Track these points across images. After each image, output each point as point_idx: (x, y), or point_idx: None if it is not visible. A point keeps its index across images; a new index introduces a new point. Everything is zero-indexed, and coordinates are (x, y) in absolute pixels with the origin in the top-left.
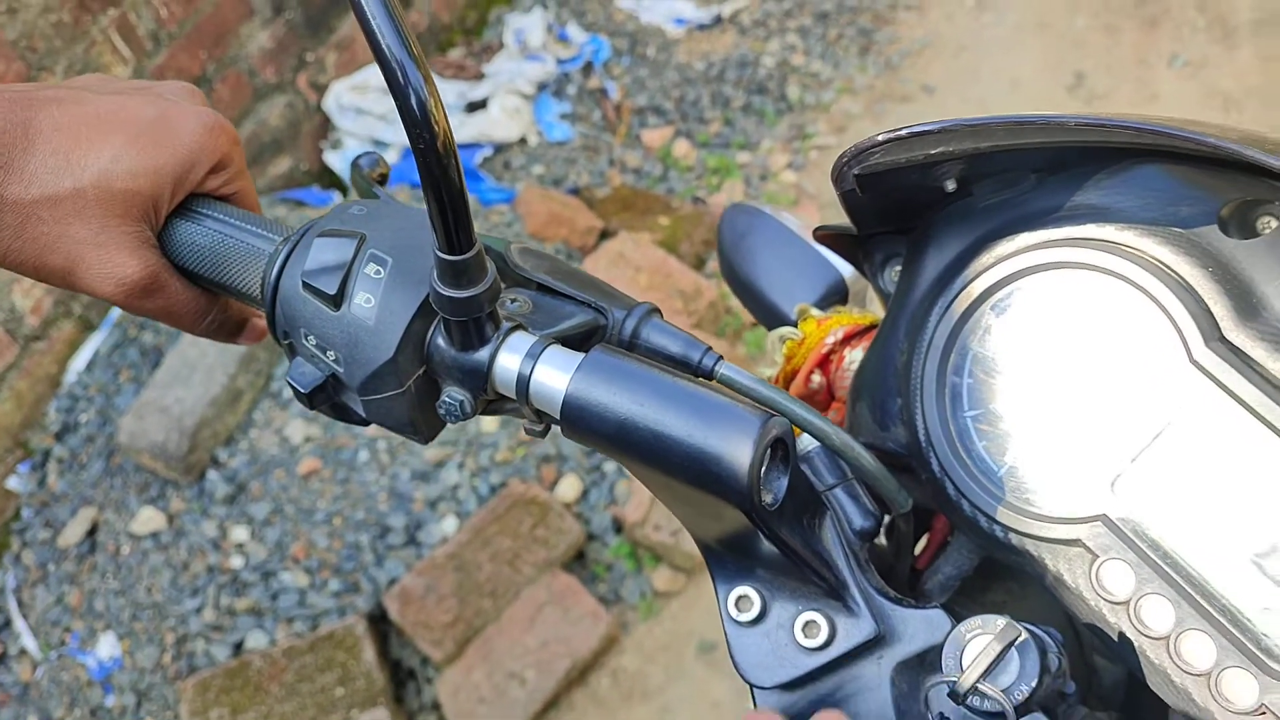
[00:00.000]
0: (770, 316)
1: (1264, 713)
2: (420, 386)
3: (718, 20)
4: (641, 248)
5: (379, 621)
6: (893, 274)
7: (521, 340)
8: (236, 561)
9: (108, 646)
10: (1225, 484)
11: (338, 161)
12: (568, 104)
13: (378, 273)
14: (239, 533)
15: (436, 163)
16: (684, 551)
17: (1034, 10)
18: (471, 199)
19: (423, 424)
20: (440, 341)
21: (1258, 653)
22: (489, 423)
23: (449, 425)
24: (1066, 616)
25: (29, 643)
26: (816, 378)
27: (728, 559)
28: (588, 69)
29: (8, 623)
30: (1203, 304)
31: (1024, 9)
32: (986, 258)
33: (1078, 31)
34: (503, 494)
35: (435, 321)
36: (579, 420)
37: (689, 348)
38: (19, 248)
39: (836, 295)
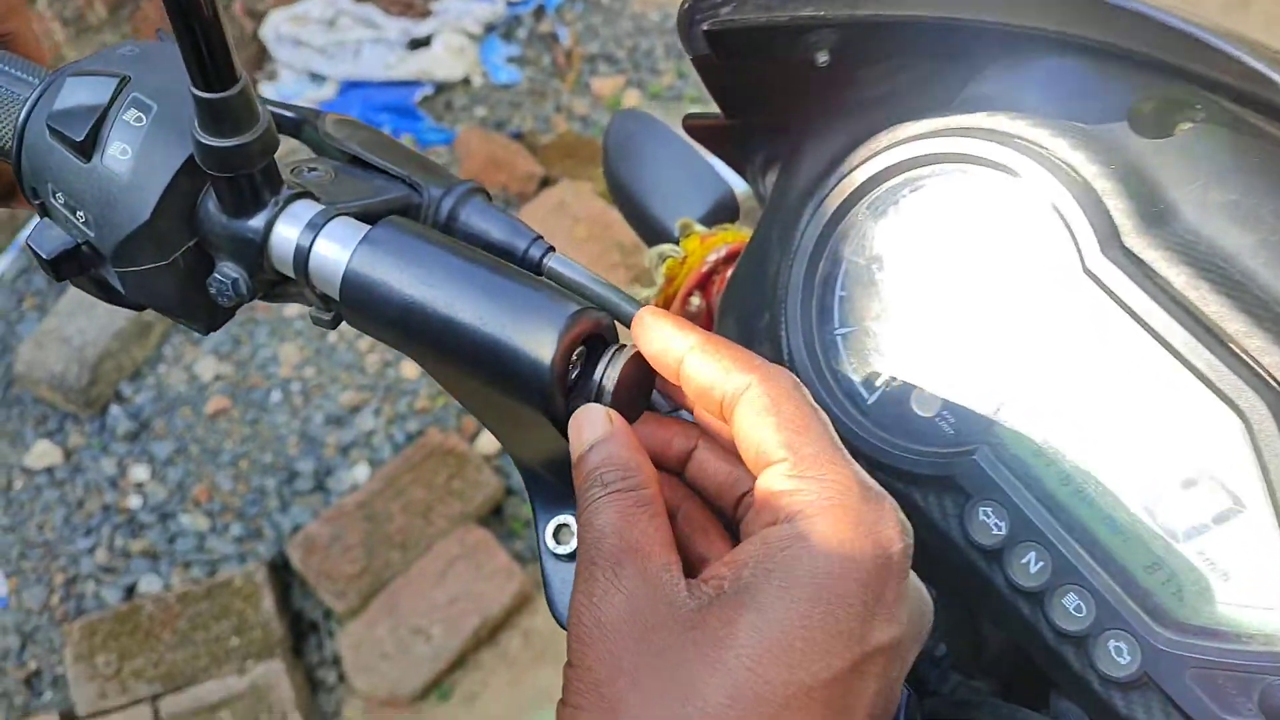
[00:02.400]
0: (651, 232)
1: (1146, 684)
2: (192, 261)
3: None
4: (582, 198)
5: (281, 570)
6: (774, 177)
7: (305, 208)
8: (134, 501)
9: None
10: (1114, 413)
11: (273, 94)
12: (516, 47)
13: (139, 120)
14: (139, 471)
15: None
16: None
17: None
18: (408, 138)
19: (199, 308)
20: (211, 207)
21: (1142, 614)
22: (410, 369)
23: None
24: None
25: None
26: (696, 300)
27: (549, 483)
28: (539, 12)
29: None
30: (1102, 207)
31: None
32: (863, 150)
33: None
34: (419, 443)
35: (208, 184)
36: (359, 302)
37: (514, 234)
38: None
39: (725, 211)
